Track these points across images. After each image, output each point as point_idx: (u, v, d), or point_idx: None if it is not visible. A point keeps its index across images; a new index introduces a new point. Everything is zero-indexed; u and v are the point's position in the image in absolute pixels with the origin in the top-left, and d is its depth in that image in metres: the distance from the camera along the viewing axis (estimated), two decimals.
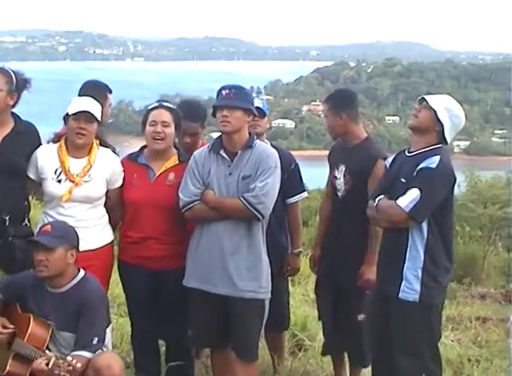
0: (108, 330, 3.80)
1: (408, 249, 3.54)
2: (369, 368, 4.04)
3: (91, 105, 3.85)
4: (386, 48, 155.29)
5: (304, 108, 79.92)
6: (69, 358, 3.38)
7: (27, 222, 3.90)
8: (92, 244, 3.84)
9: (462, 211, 10.72)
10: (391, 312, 3.60)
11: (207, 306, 3.78)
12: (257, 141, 3.85)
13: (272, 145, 4.25)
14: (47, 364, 3.37)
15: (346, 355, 4.47)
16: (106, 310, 3.78)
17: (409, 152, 3.65)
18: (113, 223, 4.04)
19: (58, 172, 3.84)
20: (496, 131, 74.74)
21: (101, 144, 3.99)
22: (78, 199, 3.83)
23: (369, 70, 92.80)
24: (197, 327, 3.88)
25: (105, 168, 3.90)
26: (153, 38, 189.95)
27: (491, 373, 4.91)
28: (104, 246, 3.94)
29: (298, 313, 5.54)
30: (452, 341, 5.75)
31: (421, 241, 3.53)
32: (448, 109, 3.57)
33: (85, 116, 3.80)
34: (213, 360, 4.07)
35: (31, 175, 3.89)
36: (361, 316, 4.15)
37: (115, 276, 4.20)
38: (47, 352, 3.49)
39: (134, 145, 4.32)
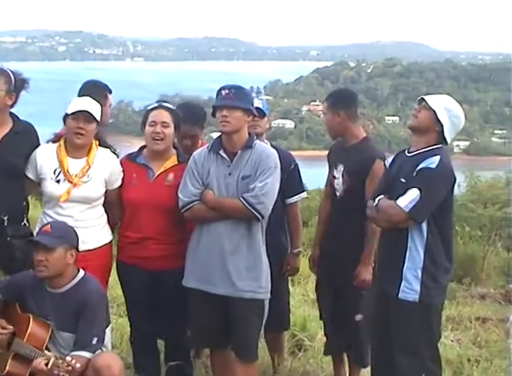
0: (108, 331, 3.80)
1: (407, 249, 3.54)
2: (369, 368, 4.04)
3: (91, 105, 3.85)
4: (386, 49, 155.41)
5: (304, 108, 79.93)
6: (68, 358, 3.38)
7: (25, 222, 3.90)
8: (91, 243, 3.84)
9: (462, 212, 10.73)
10: (390, 312, 3.60)
11: (207, 306, 3.78)
12: (257, 141, 3.85)
13: (271, 145, 4.25)
14: (46, 364, 3.37)
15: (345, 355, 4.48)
16: (106, 310, 3.78)
17: (408, 152, 3.64)
18: (111, 223, 4.04)
19: (57, 172, 3.84)
20: (496, 132, 74.76)
21: (101, 144, 3.99)
22: (76, 199, 3.83)
23: (368, 71, 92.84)
24: (197, 327, 3.88)
25: (104, 168, 3.90)
26: (152, 38, 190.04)
27: (490, 373, 4.91)
28: (102, 246, 3.94)
29: (298, 313, 5.54)
30: (451, 341, 5.75)
31: (421, 241, 3.53)
32: (447, 109, 3.57)
33: (84, 116, 3.79)
34: (213, 360, 4.06)
35: (30, 175, 3.89)
36: (358, 316, 4.16)
37: (115, 276, 4.21)
38: (46, 352, 3.49)
39: (134, 145, 4.32)
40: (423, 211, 3.47)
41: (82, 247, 3.71)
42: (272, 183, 3.70)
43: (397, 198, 3.49)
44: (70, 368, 3.34)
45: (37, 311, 3.63)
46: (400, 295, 3.54)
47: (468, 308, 7.39)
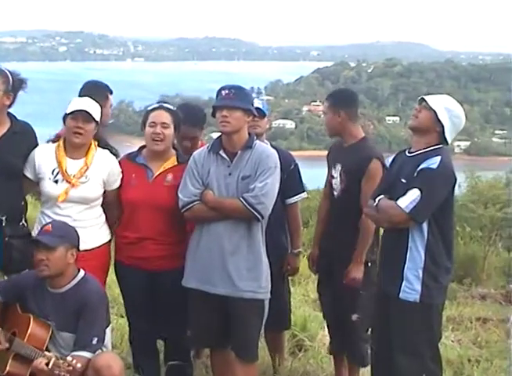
0: (108, 331, 3.80)
1: (408, 249, 3.54)
2: (369, 368, 4.04)
3: (90, 105, 3.85)
4: (386, 49, 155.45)
5: (305, 108, 79.95)
6: (69, 358, 3.38)
7: (23, 222, 3.90)
8: (89, 243, 3.84)
9: (462, 212, 10.72)
10: (391, 312, 3.60)
11: (207, 306, 3.78)
12: (257, 141, 3.85)
13: (271, 145, 4.25)
14: (47, 364, 3.37)
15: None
16: (106, 310, 3.78)
17: (409, 152, 3.64)
18: (110, 223, 4.03)
19: (55, 173, 3.84)
20: (497, 132, 74.77)
21: (100, 145, 3.98)
22: (75, 200, 3.83)
23: (369, 71, 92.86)
24: (197, 327, 3.88)
25: (102, 169, 3.90)
26: (153, 39, 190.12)
27: (491, 373, 4.91)
28: (101, 246, 3.94)
29: (298, 313, 5.54)
30: (452, 341, 5.75)
31: (422, 242, 3.53)
32: (448, 109, 3.57)
33: (83, 115, 3.80)
34: (213, 360, 4.06)
35: (28, 175, 3.89)
36: (355, 316, 4.17)
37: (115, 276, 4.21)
38: (46, 352, 3.49)
39: (135, 145, 4.31)
40: (424, 212, 3.47)
41: (81, 246, 3.71)
42: (272, 183, 3.70)
43: (397, 198, 3.49)
44: (71, 368, 3.34)
45: (38, 311, 3.63)
46: (401, 295, 3.54)
47: (469, 308, 7.39)
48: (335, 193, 4.27)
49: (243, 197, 3.66)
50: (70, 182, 3.82)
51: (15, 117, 3.89)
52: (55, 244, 3.54)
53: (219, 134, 3.84)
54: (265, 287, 3.79)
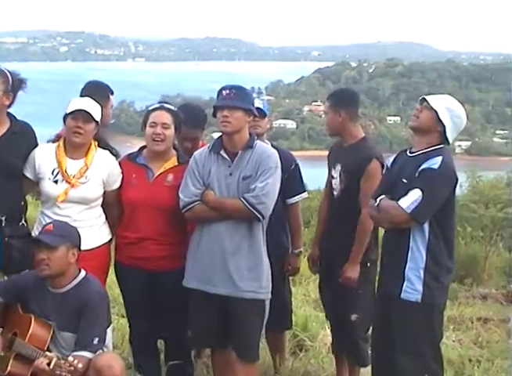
0: (109, 331, 3.80)
1: (410, 250, 3.54)
2: (369, 368, 4.04)
3: (90, 105, 3.85)
4: (387, 49, 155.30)
5: (306, 108, 79.88)
6: (70, 358, 3.39)
7: (23, 222, 3.90)
8: (89, 243, 3.83)
9: (463, 212, 10.70)
10: (392, 312, 3.60)
11: (208, 307, 3.78)
12: (258, 141, 3.85)
13: (272, 145, 4.25)
14: (48, 364, 3.37)
15: None
16: (107, 310, 3.79)
17: (410, 152, 3.64)
18: (110, 223, 4.03)
19: (55, 173, 3.84)
20: (498, 132, 74.70)
21: (101, 145, 3.98)
22: (74, 200, 3.83)
23: (370, 71, 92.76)
24: (198, 327, 3.88)
25: (102, 169, 3.89)
26: (154, 39, 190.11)
27: (492, 373, 4.91)
28: (101, 246, 3.94)
29: (299, 313, 5.55)
30: (453, 341, 5.74)
31: (423, 242, 3.53)
32: (449, 109, 3.57)
33: (83, 115, 3.80)
34: (214, 360, 4.07)
35: (28, 174, 3.89)
36: (354, 316, 4.17)
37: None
38: (47, 352, 3.49)
39: (136, 145, 4.32)
40: (426, 212, 3.47)
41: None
42: (272, 183, 3.70)
43: (399, 199, 3.49)
44: (72, 368, 3.35)
45: (39, 311, 3.63)
46: (402, 295, 3.54)
47: (470, 308, 7.39)
48: (335, 193, 4.27)
49: (243, 197, 3.66)
50: (69, 183, 3.82)
51: (14, 117, 3.89)
52: (57, 243, 3.54)
53: (220, 134, 3.84)
54: (266, 287, 3.79)
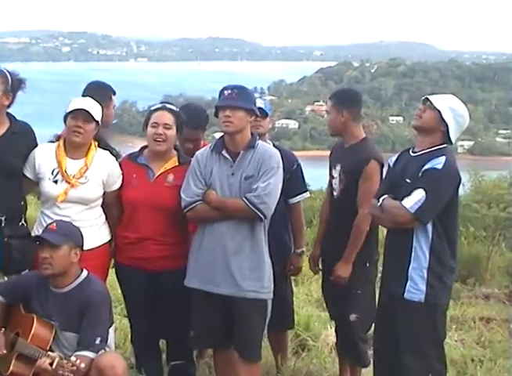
0: (111, 331, 3.80)
1: (413, 249, 3.54)
2: (369, 368, 4.04)
3: (90, 104, 3.85)
4: (389, 49, 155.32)
5: (308, 108, 79.90)
6: (72, 358, 3.39)
7: (23, 222, 3.89)
8: (89, 243, 3.82)
9: (466, 212, 10.68)
10: (396, 312, 3.60)
11: (210, 306, 3.78)
12: (260, 141, 3.84)
13: (274, 145, 4.25)
14: (51, 364, 3.37)
15: None
16: (109, 310, 3.78)
17: (413, 152, 3.63)
18: (110, 223, 4.03)
19: (55, 173, 3.84)
20: (500, 131, 74.64)
21: (100, 146, 3.98)
22: (74, 200, 3.83)
23: (372, 71, 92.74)
24: (200, 327, 3.88)
25: (102, 170, 3.89)
26: (156, 39, 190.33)
27: (494, 373, 4.90)
28: (101, 246, 3.93)
29: (301, 313, 5.55)
30: (455, 341, 5.73)
31: (426, 242, 3.52)
32: (452, 109, 3.56)
33: (83, 115, 3.79)
34: (216, 360, 4.06)
35: (28, 174, 3.88)
36: (353, 316, 4.17)
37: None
38: (49, 352, 3.49)
39: (137, 146, 4.31)
40: (429, 213, 3.46)
41: None
42: (274, 183, 3.69)
43: (402, 199, 3.49)
44: (75, 368, 3.35)
45: (41, 311, 3.63)
46: (406, 295, 3.54)
47: (472, 308, 7.37)
48: (335, 194, 4.27)
49: (245, 197, 3.66)
50: (69, 183, 3.82)
51: (14, 117, 3.89)
52: (60, 242, 3.55)
53: (222, 134, 3.84)
54: (268, 287, 3.79)
